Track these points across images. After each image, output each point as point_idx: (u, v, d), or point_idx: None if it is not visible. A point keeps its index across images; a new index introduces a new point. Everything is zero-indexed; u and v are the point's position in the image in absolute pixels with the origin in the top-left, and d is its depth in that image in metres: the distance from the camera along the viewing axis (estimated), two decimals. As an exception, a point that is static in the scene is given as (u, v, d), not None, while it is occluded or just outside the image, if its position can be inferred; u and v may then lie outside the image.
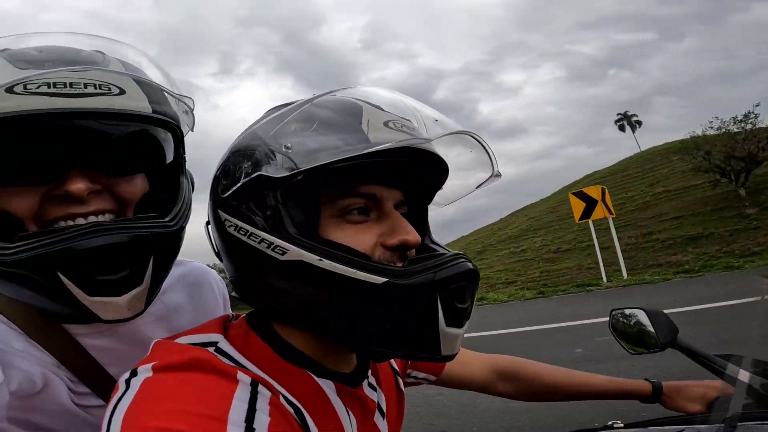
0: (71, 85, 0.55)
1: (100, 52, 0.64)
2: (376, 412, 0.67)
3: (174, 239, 0.65)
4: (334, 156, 0.51)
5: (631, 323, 1.11)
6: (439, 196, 0.69)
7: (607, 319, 1.19)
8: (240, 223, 0.56)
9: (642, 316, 1.08)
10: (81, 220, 0.59)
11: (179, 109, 0.70)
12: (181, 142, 0.71)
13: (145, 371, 0.50)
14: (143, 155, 0.65)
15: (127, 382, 0.49)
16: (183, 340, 0.58)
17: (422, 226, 0.68)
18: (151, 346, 0.56)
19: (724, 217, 18.56)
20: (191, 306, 0.84)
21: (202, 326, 0.62)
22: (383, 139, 0.52)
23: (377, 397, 0.69)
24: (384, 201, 0.58)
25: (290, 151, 0.53)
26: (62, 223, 0.59)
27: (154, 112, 0.62)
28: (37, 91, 0.54)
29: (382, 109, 0.58)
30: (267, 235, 0.54)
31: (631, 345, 1.11)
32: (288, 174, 0.52)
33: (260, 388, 0.51)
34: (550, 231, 27.96)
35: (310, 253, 0.52)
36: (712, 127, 21.52)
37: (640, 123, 68.04)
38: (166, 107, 0.66)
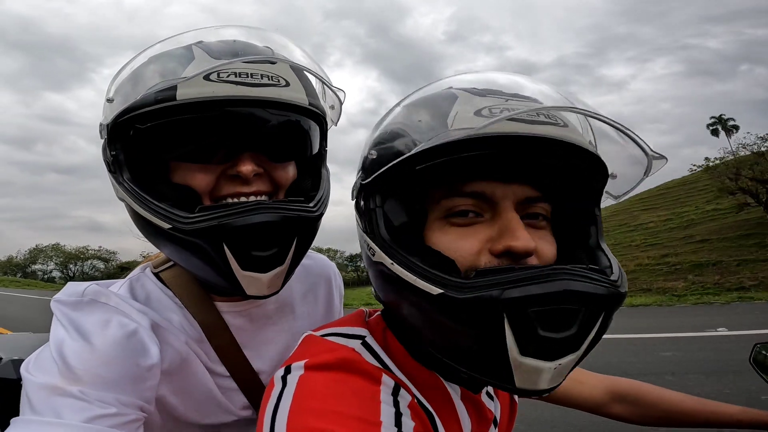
0: (251, 75, 0.63)
1: (268, 47, 0.71)
2: (491, 423, 0.66)
3: (314, 225, 0.69)
4: (395, 158, 0.51)
5: None
6: (609, 189, 0.59)
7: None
8: (360, 224, 0.60)
9: None
10: (244, 199, 0.66)
11: (326, 104, 0.76)
12: (325, 134, 0.77)
13: (298, 369, 0.52)
14: (296, 144, 0.72)
15: (283, 379, 0.52)
16: (331, 331, 0.60)
17: (585, 229, 0.58)
18: (301, 339, 0.60)
19: (744, 245, 17.87)
20: (312, 296, 0.90)
21: (344, 319, 0.64)
22: (465, 131, 0.48)
23: (494, 407, 0.67)
24: (499, 200, 0.52)
25: (374, 157, 0.55)
26: (230, 200, 0.66)
27: (309, 104, 0.69)
28: (227, 79, 0.61)
29: (484, 96, 0.52)
30: (365, 235, 0.56)
31: None
32: (368, 180, 0.54)
33: (402, 391, 0.52)
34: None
35: (386, 256, 0.51)
36: (744, 146, 20.50)
37: (736, 128, 61.40)
38: (318, 101, 0.72)
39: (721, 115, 62.85)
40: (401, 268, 0.50)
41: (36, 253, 59.59)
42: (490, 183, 0.52)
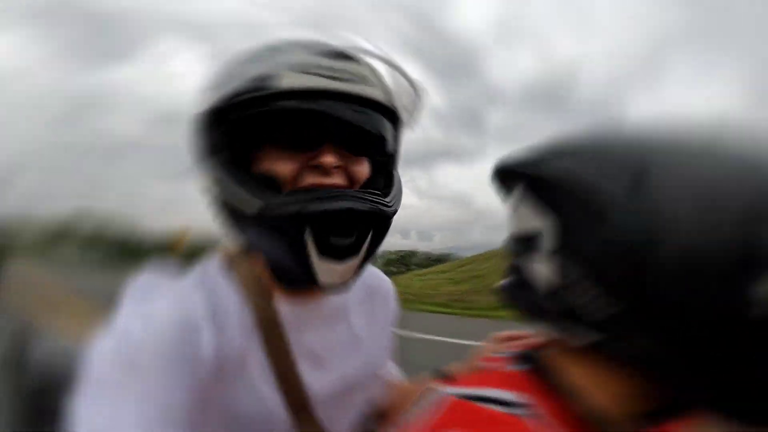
0: (341, 72, 0.67)
1: (350, 47, 0.73)
2: None
3: (388, 220, 0.71)
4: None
5: None
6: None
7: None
8: None
9: None
10: None
11: (401, 105, 0.77)
12: (398, 137, 0.79)
13: None
14: (375, 140, 0.73)
15: None
16: (477, 394, 0.51)
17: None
18: (443, 402, 0.52)
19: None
20: (368, 307, 0.88)
21: (484, 377, 0.56)
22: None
23: None
24: None
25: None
26: None
27: (391, 104, 0.72)
28: (320, 73, 0.66)
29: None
30: None
31: None
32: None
33: None
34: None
35: None
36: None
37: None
38: (394, 102, 0.74)
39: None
40: None
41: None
42: None
